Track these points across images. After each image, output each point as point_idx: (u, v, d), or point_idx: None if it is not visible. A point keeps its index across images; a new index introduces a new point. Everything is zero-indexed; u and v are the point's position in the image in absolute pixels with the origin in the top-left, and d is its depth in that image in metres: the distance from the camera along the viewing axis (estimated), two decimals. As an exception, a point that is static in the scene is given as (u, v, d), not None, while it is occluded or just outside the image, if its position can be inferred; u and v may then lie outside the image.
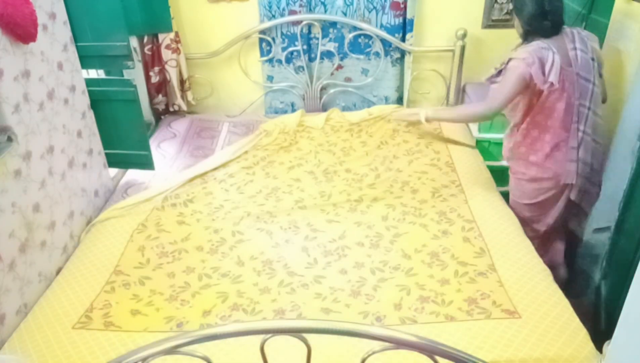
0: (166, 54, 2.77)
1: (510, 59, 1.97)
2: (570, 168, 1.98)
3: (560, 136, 1.97)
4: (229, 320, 1.56)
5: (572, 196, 2.03)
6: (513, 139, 2.14)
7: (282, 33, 2.85)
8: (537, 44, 1.92)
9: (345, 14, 2.78)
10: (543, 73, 1.88)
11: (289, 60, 2.91)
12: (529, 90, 1.94)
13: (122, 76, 2.36)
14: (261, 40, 2.88)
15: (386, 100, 2.99)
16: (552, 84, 1.86)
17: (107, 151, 2.25)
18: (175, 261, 1.82)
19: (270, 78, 2.98)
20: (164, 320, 1.56)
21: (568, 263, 2.25)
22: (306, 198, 2.17)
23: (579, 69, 1.91)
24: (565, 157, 1.98)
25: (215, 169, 2.40)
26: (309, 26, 2.82)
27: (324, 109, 2.98)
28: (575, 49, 1.93)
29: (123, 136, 2.25)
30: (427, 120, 2.43)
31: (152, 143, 2.60)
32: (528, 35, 1.99)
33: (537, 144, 2.02)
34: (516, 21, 2.05)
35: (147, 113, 2.84)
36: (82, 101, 2.06)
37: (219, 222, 2.02)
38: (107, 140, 2.23)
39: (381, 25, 2.79)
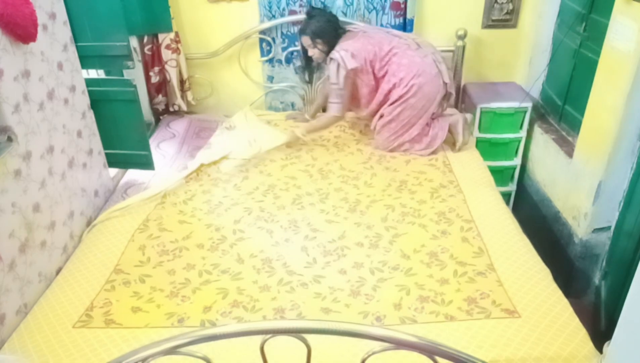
0: (166, 54, 2.77)
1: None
2: None
3: None
4: (230, 316, 1.56)
5: None
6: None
7: (282, 33, 2.85)
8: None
9: (345, 14, 2.78)
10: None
11: (289, 60, 2.91)
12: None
13: (122, 76, 2.36)
14: (261, 40, 2.88)
15: (386, 100, 2.99)
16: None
17: (107, 151, 2.25)
18: (176, 258, 1.83)
19: (270, 78, 2.98)
20: (165, 316, 1.57)
21: (564, 262, 2.25)
22: (303, 195, 2.18)
23: None
24: None
25: (208, 166, 2.42)
26: (309, 26, 2.81)
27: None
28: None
29: (123, 136, 2.25)
30: (304, 135, 2.52)
31: (152, 143, 2.60)
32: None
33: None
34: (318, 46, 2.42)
35: (147, 113, 2.84)
36: (82, 101, 2.06)
37: (220, 220, 2.03)
38: (107, 140, 2.23)
39: (381, 25, 2.79)
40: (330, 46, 2.42)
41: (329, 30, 2.42)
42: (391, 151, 2.50)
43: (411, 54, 2.41)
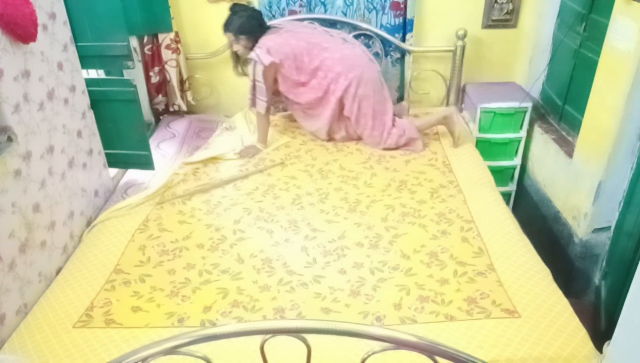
0: (166, 54, 2.77)
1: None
2: None
3: None
4: (230, 316, 1.56)
5: None
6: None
7: (282, 33, 2.85)
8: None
9: (345, 14, 2.78)
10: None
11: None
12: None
13: (122, 76, 2.36)
14: (261, 40, 2.88)
15: (386, 100, 2.99)
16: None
17: (107, 151, 2.25)
18: (176, 258, 1.83)
19: (270, 78, 2.98)
20: (165, 315, 1.57)
21: (562, 262, 2.25)
22: (303, 195, 2.18)
23: None
24: None
25: (205, 165, 2.43)
26: (309, 26, 2.82)
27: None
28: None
29: (123, 136, 2.25)
30: (261, 146, 2.59)
31: (152, 143, 2.61)
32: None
33: None
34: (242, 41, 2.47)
35: (147, 113, 2.84)
36: (82, 101, 2.06)
37: (220, 220, 2.03)
38: (107, 140, 2.23)
39: (381, 26, 2.79)
40: (253, 41, 2.46)
41: (251, 27, 2.45)
42: (387, 149, 2.52)
43: (341, 48, 2.49)
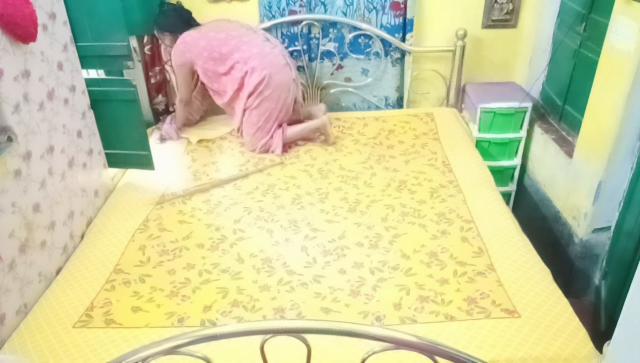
0: (166, 54, 2.77)
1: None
2: None
3: None
4: (230, 316, 1.56)
5: None
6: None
7: (282, 33, 2.85)
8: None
9: (345, 14, 2.78)
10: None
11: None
12: None
13: (122, 76, 2.36)
14: (261, 40, 2.88)
15: (386, 100, 2.99)
16: None
17: (107, 151, 2.25)
18: (176, 258, 1.83)
19: (270, 78, 2.98)
20: (165, 315, 1.57)
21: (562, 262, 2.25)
22: (303, 194, 2.19)
23: None
24: None
25: (204, 165, 2.44)
26: (309, 26, 2.82)
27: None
28: None
29: (123, 136, 2.25)
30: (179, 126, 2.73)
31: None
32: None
33: None
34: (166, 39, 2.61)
35: (147, 113, 2.84)
36: (82, 101, 2.06)
37: (220, 219, 2.03)
38: (107, 140, 2.23)
39: (381, 25, 2.79)
40: (175, 38, 2.55)
41: (171, 24, 2.56)
42: (259, 151, 2.55)
43: (260, 44, 2.51)
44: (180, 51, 2.49)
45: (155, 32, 2.62)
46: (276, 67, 2.48)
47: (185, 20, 2.58)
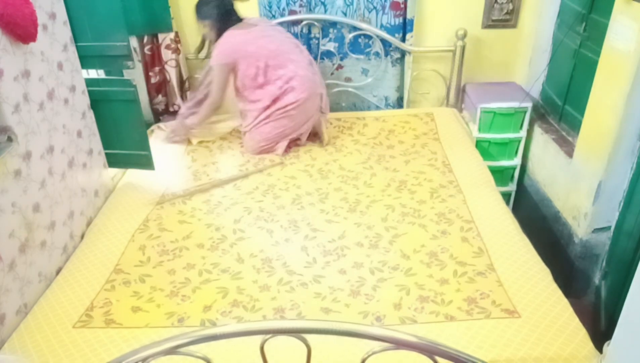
0: (166, 54, 2.77)
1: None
2: None
3: None
4: (230, 315, 1.56)
5: None
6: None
7: (282, 33, 2.85)
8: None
9: (345, 14, 2.78)
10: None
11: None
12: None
13: (122, 76, 2.36)
14: (261, 40, 2.88)
15: (386, 100, 3.00)
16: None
17: (107, 151, 2.25)
18: (176, 258, 1.83)
19: (270, 78, 2.97)
20: (165, 315, 1.57)
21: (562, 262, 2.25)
22: (303, 195, 2.19)
23: None
24: None
25: (204, 165, 2.44)
26: (309, 26, 2.82)
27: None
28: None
29: (123, 136, 2.25)
30: (193, 127, 2.61)
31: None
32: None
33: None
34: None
35: (147, 113, 2.84)
36: (82, 101, 2.06)
37: (220, 219, 2.03)
38: (107, 140, 2.23)
39: (381, 25, 2.79)
40: (218, 30, 2.46)
41: (213, 14, 2.46)
42: (257, 153, 2.54)
43: (306, 67, 2.48)
44: (226, 51, 2.41)
45: (197, 18, 2.51)
46: (312, 95, 2.47)
47: (227, 12, 2.48)
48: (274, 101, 2.45)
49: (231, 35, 2.42)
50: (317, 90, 2.51)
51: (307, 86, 2.45)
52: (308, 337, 0.97)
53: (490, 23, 2.84)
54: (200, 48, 2.72)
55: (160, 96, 2.90)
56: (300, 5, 2.76)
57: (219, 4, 2.47)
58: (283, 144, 2.53)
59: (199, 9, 2.49)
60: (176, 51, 2.78)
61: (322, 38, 2.83)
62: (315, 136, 2.65)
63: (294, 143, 2.61)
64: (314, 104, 2.51)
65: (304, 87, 2.44)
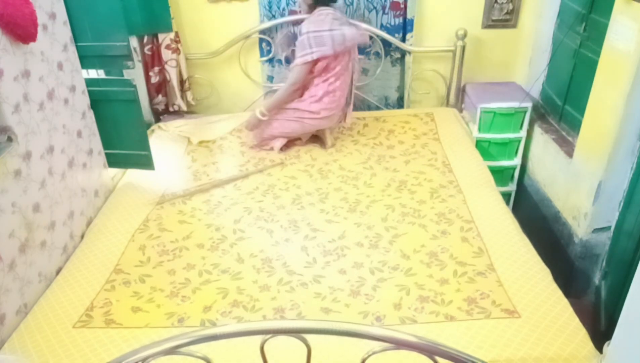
0: (166, 54, 2.77)
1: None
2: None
3: None
4: (230, 316, 1.56)
5: None
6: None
7: (282, 33, 2.85)
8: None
9: (345, 14, 2.78)
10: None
11: (289, 60, 2.91)
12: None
13: (122, 76, 2.36)
14: (261, 40, 2.88)
15: (386, 100, 2.99)
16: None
17: (107, 151, 2.25)
18: (176, 258, 1.83)
19: (270, 78, 2.98)
20: (165, 316, 1.57)
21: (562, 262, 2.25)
22: (303, 195, 2.19)
23: None
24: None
25: (205, 165, 2.44)
26: (309, 26, 2.81)
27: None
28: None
29: (123, 136, 2.25)
30: (263, 113, 2.51)
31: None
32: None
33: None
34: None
35: (146, 113, 2.84)
36: (82, 101, 2.06)
37: (220, 220, 2.03)
38: (107, 140, 2.23)
39: (381, 26, 2.79)
40: (311, 6, 2.43)
41: None
42: (257, 145, 2.57)
43: (347, 81, 2.47)
44: (314, 50, 2.34)
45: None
46: (338, 109, 2.48)
47: None
48: (312, 102, 2.44)
49: (314, 26, 2.36)
50: (342, 101, 2.49)
51: (336, 105, 2.45)
52: (308, 337, 0.97)
53: (490, 23, 2.84)
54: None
55: (160, 96, 2.90)
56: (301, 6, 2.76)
57: None
58: (281, 141, 2.54)
59: None
60: (176, 50, 2.78)
61: (322, 38, 2.83)
62: (316, 137, 2.65)
63: (292, 143, 2.61)
64: (332, 120, 2.52)
65: (333, 105, 2.44)
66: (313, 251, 1.84)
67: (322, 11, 2.39)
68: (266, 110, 2.51)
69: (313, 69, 2.41)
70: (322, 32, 2.34)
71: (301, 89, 2.50)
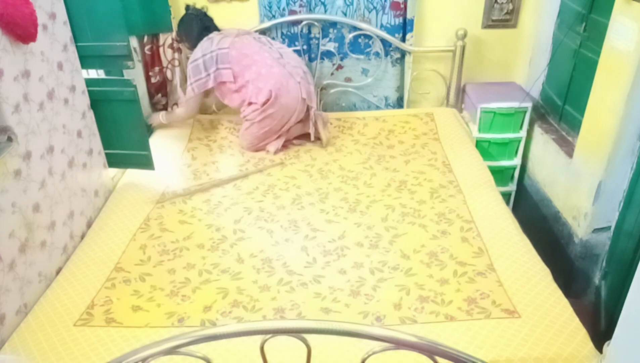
0: (169, 53, 2.77)
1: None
2: None
3: None
4: (230, 316, 1.56)
5: None
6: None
7: (282, 33, 2.85)
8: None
9: (345, 14, 2.78)
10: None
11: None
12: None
13: (122, 76, 2.36)
14: (261, 40, 2.88)
15: (386, 100, 2.99)
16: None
17: (107, 151, 2.25)
18: (176, 258, 1.83)
19: (270, 78, 2.98)
20: (165, 315, 1.58)
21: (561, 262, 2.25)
22: (303, 195, 2.19)
23: None
24: None
25: (205, 165, 2.45)
26: (309, 26, 2.82)
27: (324, 109, 2.99)
28: None
29: (123, 136, 2.24)
30: (163, 119, 2.72)
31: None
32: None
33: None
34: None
35: (147, 113, 2.84)
36: (82, 101, 2.06)
37: (220, 220, 2.03)
38: (107, 140, 2.23)
39: (381, 26, 2.79)
40: (193, 45, 2.59)
41: (192, 32, 2.59)
42: (254, 151, 2.58)
43: (270, 64, 2.49)
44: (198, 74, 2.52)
45: (176, 36, 2.67)
46: (283, 89, 2.46)
47: (205, 28, 2.60)
48: (249, 104, 2.50)
49: (201, 49, 2.52)
50: (288, 82, 2.49)
51: (275, 81, 2.46)
52: (308, 337, 0.97)
53: (490, 23, 2.84)
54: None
55: (159, 96, 2.90)
56: (300, 5, 2.76)
57: (199, 22, 2.60)
58: (276, 143, 2.55)
59: (179, 28, 2.63)
60: (178, 50, 2.78)
61: (322, 38, 2.83)
62: (308, 136, 2.64)
63: (289, 142, 2.61)
64: (290, 98, 2.49)
65: (270, 84, 2.45)
66: (313, 251, 1.84)
67: (203, 40, 2.55)
68: (165, 121, 2.73)
69: (221, 90, 2.58)
70: (197, 60, 2.52)
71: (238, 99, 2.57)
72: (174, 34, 2.73)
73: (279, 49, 2.62)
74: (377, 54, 2.87)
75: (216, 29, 2.64)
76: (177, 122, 2.75)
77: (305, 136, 2.65)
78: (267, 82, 2.45)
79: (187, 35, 2.62)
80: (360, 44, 2.86)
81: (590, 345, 1.40)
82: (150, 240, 1.93)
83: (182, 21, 2.62)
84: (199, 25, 2.59)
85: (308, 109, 2.58)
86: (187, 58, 2.68)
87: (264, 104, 2.45)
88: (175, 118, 2.74)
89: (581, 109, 2.17)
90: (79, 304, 1.62)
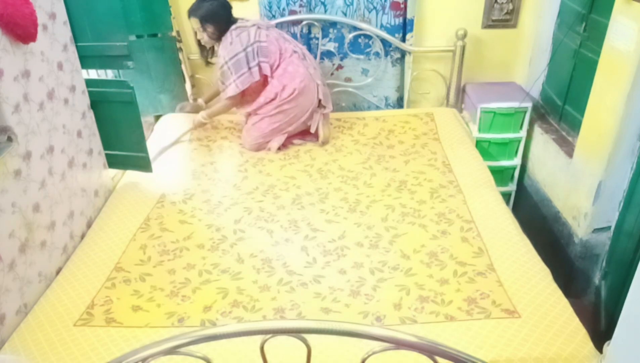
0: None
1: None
2: None
3: None
4: (230, 316, 1.56)
5: None
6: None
7: (282, 33, 2.85)
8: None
9: (345, 14, 2.78)
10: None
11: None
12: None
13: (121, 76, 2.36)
14: (261, 40, 2.88)
15: (386, 100, 2.99)
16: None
17: (107, 152, 2.25)
18: (176, 258, 1.83)
19: (270, 78, 2.98)
20: (165, 315, 1.58)
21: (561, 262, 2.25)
22: (303, 195, 2.19)
23: None
24: None
25: (203, 165, 2.44)
26: (309, 26, 2.82)
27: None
28: None
29: (122, 137, 2.24)
30: (205, 118, 2.62)
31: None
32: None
33: None
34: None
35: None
36: (82, 101, 2.06)
37: (220, 220, 2.03)
38: (107, 141, 2.23)
39: (381, 26, 2.79)
40: (220, 32, 2.46)
41: (220, 16, 2.44)
42: (254, 149, 2.57)
43: (297, 63, 2.50)
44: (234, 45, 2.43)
45: (194, 22, 2.46)
46: (306, 88, 2.49)
47: (230, 14, 2.50)
48: (272, 99, 2.50)
49: (235, 32, 2.45)
50: (310, 83, 2.52)
51: (298, 81, 2.47)
52: (308, 337, 0.97)
53: (490, 23, 2.84)
54: (203, 54, 2.68)
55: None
56: (300, 5, 2.76)
57: (223, 4, 2.48)
58: (278, 140, 2.55)
59: (200, 11, 2.44)
60: (179, 49, 2.78)
61: (322, 38, 2.83)
62: (310, 133, 2.64)
63: (289, 141, 2.62)
64: (308, 98, 2.52)
65: (295, 83, 2.46)
66: (313, 251, 1.84)
67: (233, 30, 2.45)
68: (207, 116, 2.62)
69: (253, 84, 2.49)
70: (238, 55, 2.41)
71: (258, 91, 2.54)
72: (174, 33, 2.73)
73: (302, 49, 2.62)
74: (377, 54, 2.87)
75: (234, 18, 2.54)
76: (224, 111, 2.64)
77: (304, 132, 2.66)
78: (293, 80, 2.46)
79: (215, 21, 2.44)
80: (360, 44, 2.86)
81: (590, 345, 1.40)
82: (150, 240, 1.93)
83: (210, 7, 2.43)
84: (226, 11, 2.49)
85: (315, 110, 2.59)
86: (200, 46, 2.61)
87: (285, 98, 2.46)
88: (218, 113, 2.63)
89: (581, 109, 2.17)
90: (79, 304, 1.62)
